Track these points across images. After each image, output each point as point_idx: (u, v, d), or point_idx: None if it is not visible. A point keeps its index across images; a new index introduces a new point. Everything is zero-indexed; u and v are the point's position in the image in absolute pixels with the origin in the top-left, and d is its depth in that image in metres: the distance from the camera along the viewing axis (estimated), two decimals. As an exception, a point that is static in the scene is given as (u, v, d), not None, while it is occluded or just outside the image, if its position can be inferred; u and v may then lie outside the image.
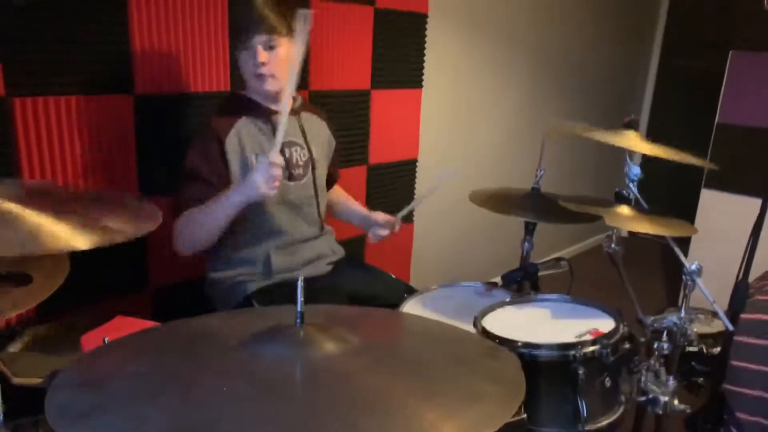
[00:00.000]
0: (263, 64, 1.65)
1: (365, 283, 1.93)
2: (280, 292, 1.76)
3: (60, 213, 0.91)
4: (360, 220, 2.03)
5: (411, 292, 1.85)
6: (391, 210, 1.91)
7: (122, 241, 0.91)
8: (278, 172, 1.56)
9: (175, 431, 0.75)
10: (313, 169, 1.86)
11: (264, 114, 1.76)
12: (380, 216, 1.94)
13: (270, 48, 1.66)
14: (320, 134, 1.93)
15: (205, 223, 1.65)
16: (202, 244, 1.70)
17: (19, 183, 1.08)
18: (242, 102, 1.76)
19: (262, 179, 1.56)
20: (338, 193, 2.12)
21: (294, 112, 1.82)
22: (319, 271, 1.90)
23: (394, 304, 1.75)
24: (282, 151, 1.76)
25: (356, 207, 2.09)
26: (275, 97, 1.76)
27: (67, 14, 1.65)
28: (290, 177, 1.79)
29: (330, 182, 2.04)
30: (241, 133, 1.72)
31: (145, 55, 1.81)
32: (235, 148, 1.70)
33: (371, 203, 2.68)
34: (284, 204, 1.79)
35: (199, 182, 1.67)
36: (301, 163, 1.83)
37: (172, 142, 1.92)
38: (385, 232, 1.91)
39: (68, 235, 0.87)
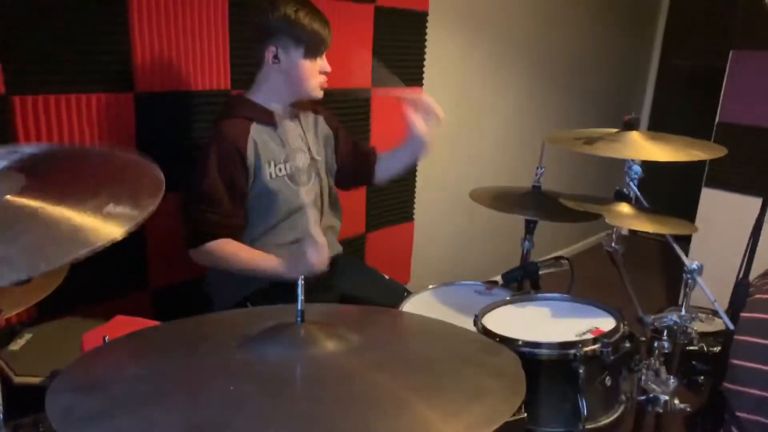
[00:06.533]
0: (329, 72, 1.76)
1: (360, 284, 1.92)
2: (276, 295, 1.76)
3: (77, 200, 0.81)
4: (409, 147, 1.99)
5: (408, 294, 1.84)
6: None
7: (133, 227, 0.84)
8: (325, 252, 1.62)
9: (188, 434, 0.74)
10: (317, 169, 1.86)
11: (272, 119, 1.75)
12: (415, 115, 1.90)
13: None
14: (319, 131, 1.92)
15: (235, 267, 1.69)
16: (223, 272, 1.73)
17: (10, 150, 0.94)
18: (250, 106, 1.74)
19: (316, 259, 1.61)
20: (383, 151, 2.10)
21: (293, 115, 1.83)
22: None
23: (389, 307, 1.74)
24: (292, 157, 1.77)
25: (401, 146, 2.04)
26: (290, 102, 1.79)
27: (67, 12, 1.64)
28: (298, 183, 1.78)
29: (368, 153, 2.06)
30: (256, 139, 1.70)
31: (145, 54, 1.81)
32: (252, 155, 1.69)
33: (371, 202, 2.68)
34: (292, 211, 1.78)
35: (221, 207, 1.65)
36: (305, 166, 1.82)
37: (173, 140, 1.92)
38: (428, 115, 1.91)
39: (105, 227, 0.76)
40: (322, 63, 1.75)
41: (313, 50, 1.70)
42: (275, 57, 1.69)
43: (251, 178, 1.69)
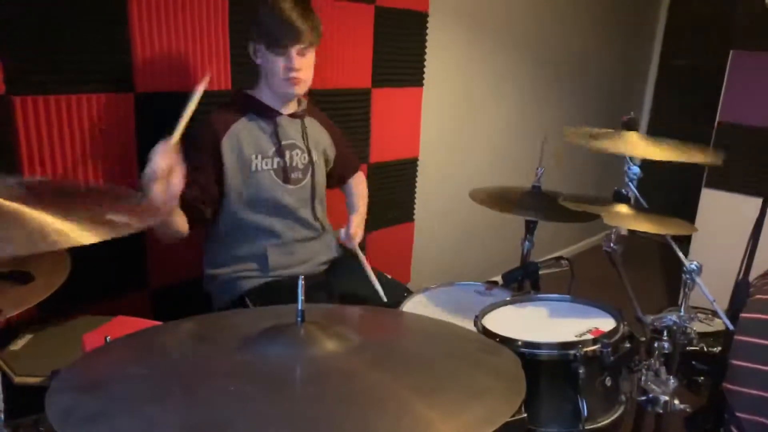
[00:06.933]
0: (298, 69, 1.69)
1: (359, 283, 1.92)
2: (274, 292, 1.76)
3: (63, 209, 0.91)
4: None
5: (408, 293, 1.85)
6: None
7: (127, 234, 0.91)
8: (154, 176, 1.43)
9: (188, 433, 0.74)
10: (313, 173, 1.86)
11: (268, 114, 1.77)
12: (350, 228, 1.91)
13: (302, 55, 1.70)
14: (321, 140, 1.94)
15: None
16: (170, 238, 1.64)
17: (19, 180, 1.08)
18: (247, 100, 1.78)
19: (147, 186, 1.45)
20: (355, 182, 2.15)
21: (297, 115, 1.84)
22: (314, 270, 1.90)
23: (389, 305, 1.74)
24: (281, 153, 1.77)
25: (353, 203, 2.10)
26: (286, 99, 1.79)
27: (68, 13, 1.64)
28: (287, 180, 1.79)
29: (346, 172, 2.10)
30: (240, 131, 1.72)
31: (145, 54, 1.81)
32: (232, 146, 1.71)
33: (372, 202, 2.67)
34: (279, 208, 1.79)
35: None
36: (300, 166, 1.83)
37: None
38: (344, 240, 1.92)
39: (74, 231, 0.87)
40: (290, 58, 1.67)
41: (273, 42, 1.66)
42: (254, 53, 1.73)
43: (226, 165, 1.71)
